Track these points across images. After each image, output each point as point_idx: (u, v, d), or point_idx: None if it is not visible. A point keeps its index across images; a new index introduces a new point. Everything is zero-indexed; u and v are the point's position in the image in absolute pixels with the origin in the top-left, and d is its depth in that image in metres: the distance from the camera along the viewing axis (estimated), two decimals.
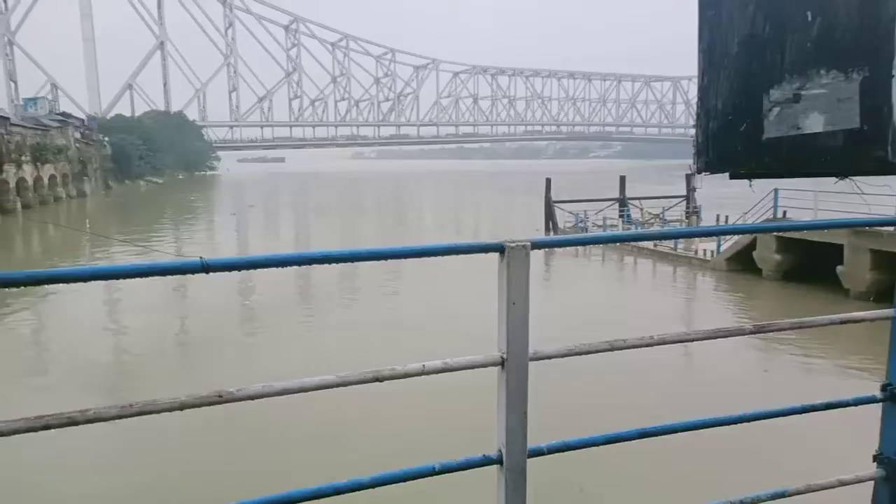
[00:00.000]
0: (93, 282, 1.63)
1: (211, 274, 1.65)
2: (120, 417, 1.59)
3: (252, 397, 1.70)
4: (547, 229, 33.23)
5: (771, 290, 20.07)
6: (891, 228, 16.68)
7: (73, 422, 1.54)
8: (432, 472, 1.91)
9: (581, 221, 32.79)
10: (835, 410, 2.47)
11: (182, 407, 1.62)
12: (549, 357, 1.98)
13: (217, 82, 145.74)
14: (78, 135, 77.17)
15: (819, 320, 2.43)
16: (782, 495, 2.37)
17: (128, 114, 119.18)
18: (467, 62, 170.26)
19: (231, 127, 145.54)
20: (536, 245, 1.89)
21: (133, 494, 7.84)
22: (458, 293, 18.05)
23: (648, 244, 26.70)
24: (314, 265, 1.74)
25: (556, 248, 28.18)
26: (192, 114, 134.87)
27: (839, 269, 18.20)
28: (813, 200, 19.04)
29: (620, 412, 9.73)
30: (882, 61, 2.22)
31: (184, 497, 7.32)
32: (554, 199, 33.75)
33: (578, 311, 17.01)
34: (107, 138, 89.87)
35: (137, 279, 1.63)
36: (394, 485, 1.89)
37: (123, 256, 27.90)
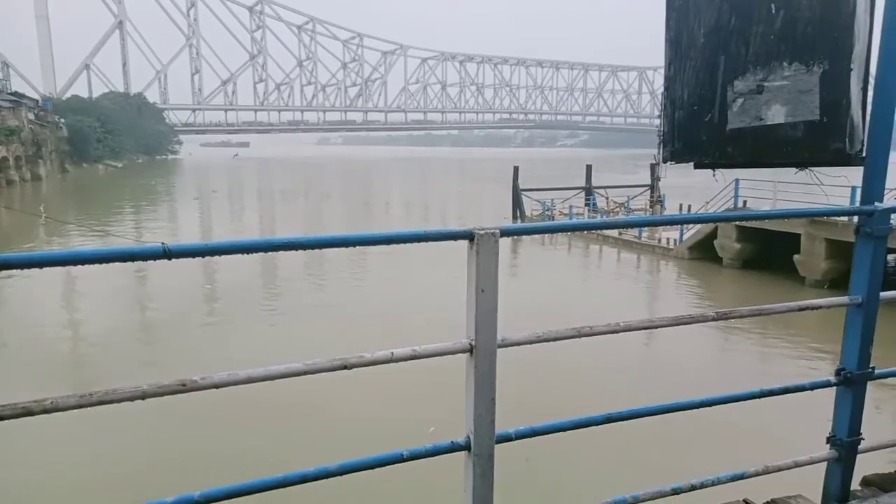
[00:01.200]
0: (49, 268, 1.57)
1: (173, 260, 1.61)
2: (79, 407, 1.54)
3: (216, 386, 1.67)
4: (514, 217, 33.42)
5: (731, 277, 20.58)
6: (845, 219, 17.23)
7: (28, 412, 1.49)
8: (401, 459, 1.91)
9: (548, 210, 33.05)
10: (792, 394, 2.54)
11: (144, 396, 1.58)
12: (517, 344, 2.00)
13: (179, 64, 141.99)
14: (32, 116, 74.36)
15: (779, 307, 2.50)
16: (741, 477, 2.44)
17: (85, 95, 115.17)
18: (436, 48, 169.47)
19: (193, 110, 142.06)
20: (505, 232, 1.90)
21: (93, 485, 7.68)
22: (426, 281, 18.05)
23: (613, 233, 27.08)
24: (280, 251, 1.71)
25: (523, 236, 28.41)
26: (153, 96, 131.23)
27: (796, 257, 18.76)
28: (772, 191, 19.55)
29: (587, 397, 9.89)
30: (842, 54, 2.28)
31: (147, 486, 7.19)
32: (521, 187, 33.93)
33: (546, 298, 17.18)
34: (63, 120, 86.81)
35: (97, 265, 1.58)
36: (362, 472, 1.88)
37: (82, 242, 27.13)
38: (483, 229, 1.83)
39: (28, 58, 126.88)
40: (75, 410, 1.55)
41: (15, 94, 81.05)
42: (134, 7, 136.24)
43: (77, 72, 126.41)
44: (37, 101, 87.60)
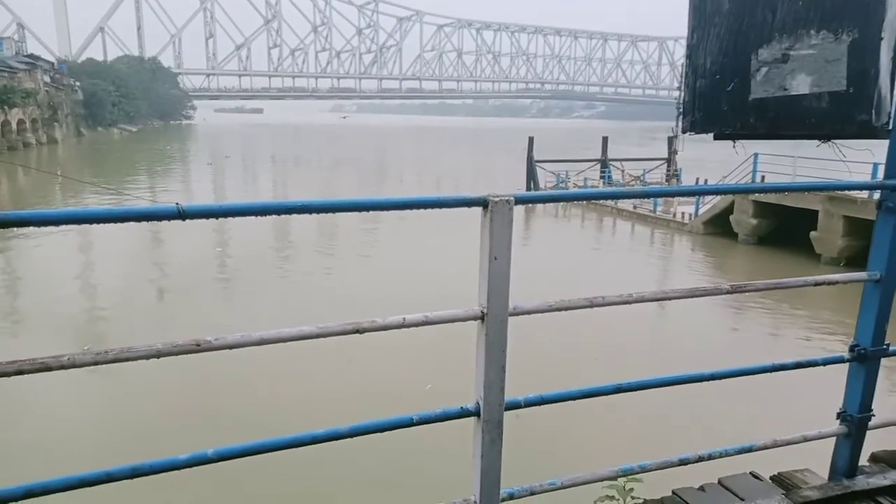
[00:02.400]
0: (65, 226, 1.58)
1: (188, 222, 1.62)
2: (95, 364, 1.56)
3: (230, 346, 1.68)
4: (528, 188, 33.18)
5: (746, 253, 20.41)
6: (864, 195, 16.95)
7: (46, 367, 1.51)
8: (410, 423, 1.93)
9: (562, 181, 32.79)
10: (805, 369, 2.53)
11: (159, 355, 1.60)
12: (528, 312, 1.99)
13: (193, 28, 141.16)
14: (47, 78, 74.47)
15: (794, 281, 2.47)
16: (749, 450, 2.45)
17: (100, 58, 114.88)
18: (452, 15, 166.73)
19: (208, 75, 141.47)
20: (520, 200, 1.88)
21: (108, 441, 7.87)
22: (439, 248, 18.07)
23: (628, 206, 26.87)
24: (294, 214, 1.71)
25: (536, 208, 28.27)
26: (168, 60, 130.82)
27: (813, 234, 18.54)
28: (791, 166, 19.24)
29: (597, 367, 9.94)
30: (872, 23, 2.20)
31: (162, 443, 7.37)
32: (536, 158, 33.64)
33: (558, 268, 17.16)
34: (78, 83, 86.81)
35: (111, 224, 1.58)
36: (374, 434, 1.90)
37: (97, 202, 27.37)
38: (497, 196, 1.81)
39: (43, 20, 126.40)
40: (92, 367, 1.57)
41: (31, 56, 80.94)
42: None
43: (92, 35, 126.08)
44: (52, 63, 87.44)
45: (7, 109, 56.89)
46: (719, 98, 2.51)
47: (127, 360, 1.57)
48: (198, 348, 1.64)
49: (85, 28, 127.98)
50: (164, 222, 1.61)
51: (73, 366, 1.53)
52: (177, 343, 1.62)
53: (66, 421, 8.44)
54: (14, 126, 58.27)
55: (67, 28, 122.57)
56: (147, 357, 1.59)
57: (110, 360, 1.56)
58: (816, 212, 18.28)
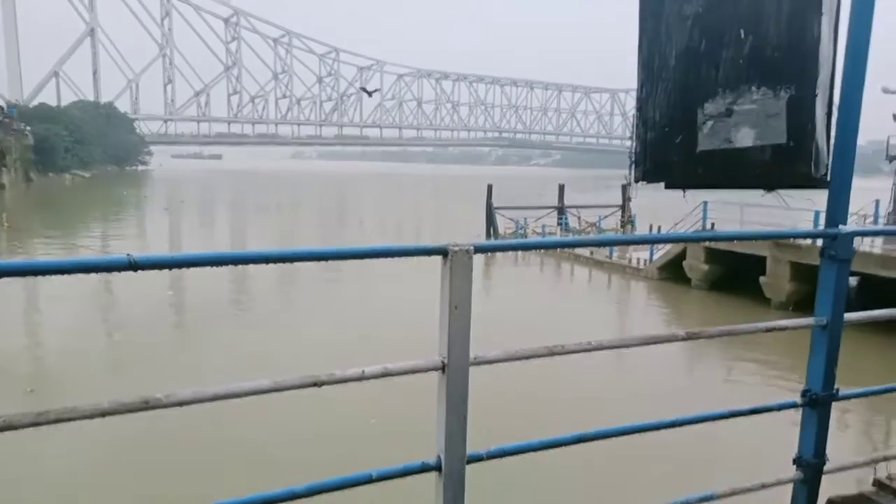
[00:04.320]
0: (8, 278, 1.51)
1: (139, 272, 1.57)
2: (35, 425, 1.48)
3: (181, 403, 1.61)
4: (488, 235, 33.55)
5: (699, 298, 20.90)
6: (809, 241, 17.67)
7: None
8: (369, 480, 1.87)
9: (521, 228, 33.28)
10: (760, 415, 2.57)
11: (104, 414, 1.53)
12: (489, 362, 1.98)
13: (151, 74, 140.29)
14: None
15: (746, 328, 2.53)
16: (710, 498, 2.45)
17: (53, 103, 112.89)
18: (412, 65, 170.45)
19: (165, 121, 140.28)
20: (479, 249, 1.89)
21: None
22: (399, 296, 17.96)
23: (585, 252, 27.37)
24: (250, 265, 1.68)
25: (496, 255, 28.51)
26: (124, 106, 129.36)
27: (762, 279, 19.15)
28: (739, 213, 20.00)
29: (558, 416, 9.89)
30: (808, 80, 2.33)
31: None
32: (495, 205, 34.14)
33: (518, 316, 17.22)
34: (28, 127, 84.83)
35: (60, 276, 1.52)
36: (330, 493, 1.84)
37: (45, 253, 26.42)
38: (457, 245, 1.82)
39: None
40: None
41: None
42: (106, 15, 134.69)
43: (45, 79, 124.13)
44: (1, 107, 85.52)
45: None
46: (668, 149, 2.61)
47: (70, 419, 1.50)
48: (146, 406, 1.57)
49: (38, 72, 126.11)
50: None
51: (11, 427, 1.45)
52: (123, 401, 1.55)
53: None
54: None
55: (19, 72, 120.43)
56: (91, 416, 1.51)
57: (52, 420, 1.48)
58: (765, 258, 18.94)
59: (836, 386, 2.53)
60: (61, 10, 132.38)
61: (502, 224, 33.92)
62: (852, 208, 2.66)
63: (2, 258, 24.92)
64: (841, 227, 2.43)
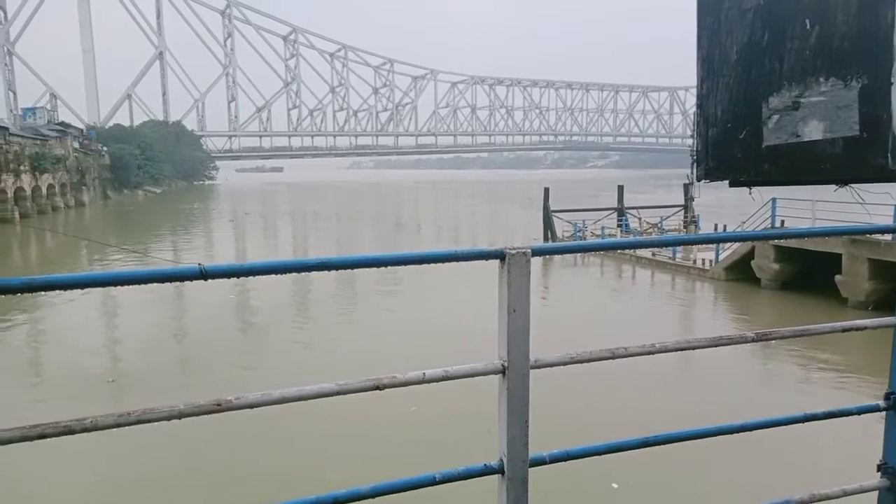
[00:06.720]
0: (90, 289, 1.61)
1: (209, 281, 1.64)
2: (118, 426, 1.57)
3: (251, 406, 1.68)
4: (546, 238, 33.21)
5: (769, 299, 20.06)
6: (888, 237, 16.70)
7: (69, 430, 1.51)
8: (433, 482, 1.89)
9: (579, 231, 32.80)
10: (838, 419, 2.45)
11: (180, 416, 1.60)
12: (550, 365, 1.97)
13: (216, 92, 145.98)
14: (76, 144, 77.17)
15: (821, 328, 2.42)
16: None
17: (126, 124, 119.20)
18: (465, 72, 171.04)
19: (230, 137, 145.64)
20: (537, 252, 1.88)
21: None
22: (458, 300, 18.01)
23: (647, 253, 26.71)
24: (313, 272, 1.73)
25: (554, 258, 28.19)
26: (191, 124, 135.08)
27: (838, 278, 18.21)
28: (811, 209, 19.09)
29: (623, 420, 9.68)
30: (881, 69, 2.22)
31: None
32: (552, 208, 33.79)
33: (578, 319, 16.97)
34: (105, 148, 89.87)
35: (135, 286, 1.61)
36: (394, 494, 1.86)
37: (122, 264, 27.84)
38: (514, 248, 1.82)
39: (74, 89, 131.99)
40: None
41: (61, 124, 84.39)
42: (173, 38, 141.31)
43: (119, 101, 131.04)
44: (81, 130, 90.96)
45: (38, 175, 58.82)
46: (732, 146, 2.53)
47: (149, 421, 1.58)
48: (218, 408, 1.64)
49: (113, 95, 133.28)
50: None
51: (96, 428, 1.54)
52: (198, 403, 1.62)
53: (87, 483, 8.37)
54: (44, 191, 60.11)
55: (97, 96, 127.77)
56: (169, 418, 1.59)
57: (133, 421, 1.56)
58: (840, 255, 18.01)
59: None
60: (133, 36, 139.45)
61: (560, 227, 33.52)
62: None
63: (84, 271, 26.37)
64: None
